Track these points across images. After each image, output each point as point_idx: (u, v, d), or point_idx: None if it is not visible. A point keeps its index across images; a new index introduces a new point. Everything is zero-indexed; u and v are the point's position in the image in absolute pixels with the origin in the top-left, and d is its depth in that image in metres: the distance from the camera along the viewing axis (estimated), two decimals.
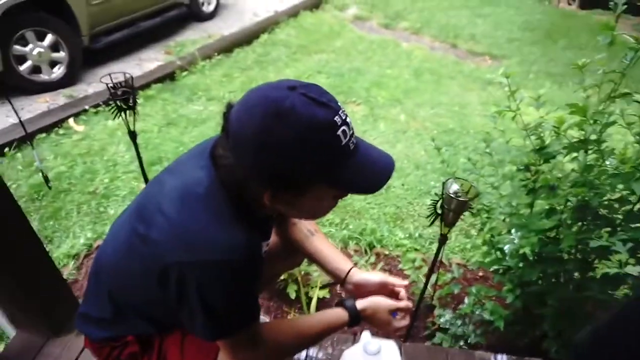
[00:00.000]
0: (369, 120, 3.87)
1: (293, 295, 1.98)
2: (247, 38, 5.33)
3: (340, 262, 1.22)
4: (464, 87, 4.73)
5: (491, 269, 1.73)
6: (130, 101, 1.56)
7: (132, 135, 1.71)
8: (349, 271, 1.19)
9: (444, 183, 1.21)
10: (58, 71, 3.98)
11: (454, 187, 1.20)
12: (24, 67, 3.74)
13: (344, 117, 0.77)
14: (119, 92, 1.51)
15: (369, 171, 0.82)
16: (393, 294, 1.17)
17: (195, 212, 0.83)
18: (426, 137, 3.55)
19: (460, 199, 1.19)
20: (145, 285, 0.90)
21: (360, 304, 1.10)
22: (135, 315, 1.03)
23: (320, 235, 1.27)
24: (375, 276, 1.17)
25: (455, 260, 2.33)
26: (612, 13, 1.22)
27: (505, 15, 7.16)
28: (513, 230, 1.33)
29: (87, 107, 3.62)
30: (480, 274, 2.26)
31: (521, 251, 1.25)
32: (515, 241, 1.28)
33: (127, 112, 1.59)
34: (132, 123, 1.65)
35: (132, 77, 1.57)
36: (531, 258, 1.34)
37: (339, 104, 0.79)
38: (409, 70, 4.92)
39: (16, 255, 1.41)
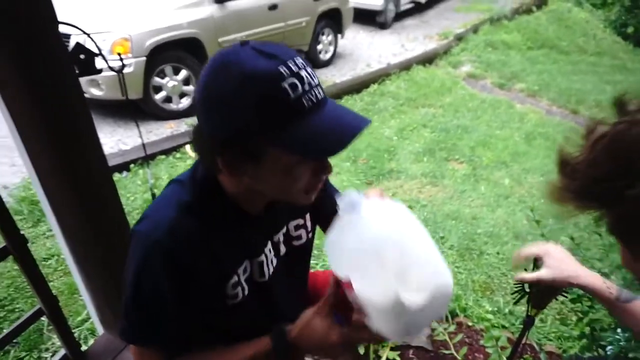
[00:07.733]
0: (469, 180, 3.70)
1: (362, 351, 1.90)
2: (357, 87, 5.51)
3: None
4: None
5: None
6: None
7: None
8: None
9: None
10: (185, 102, 4.45)
11: None
12: (158, 96, 4.26)
13: (295, 70, 0.66)
14: None
15: (329, 131, 0.68)
16: None
17: (160, 197, 0.83)
18: (530, 205, 3.29)
19: None
20: None
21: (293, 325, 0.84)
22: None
23: None
24: None
25: (549, 348, 2.06)
26: None
27: None
28: (619, 330, 1.13)
29: None
30: None
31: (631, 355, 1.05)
32: (621, 343, 1.08)
33: None
34: None
35: None
36: None
37: (296, 57, 0.68)
38: (520, 133, 4.67)
39: (118, 258, 1.54)
